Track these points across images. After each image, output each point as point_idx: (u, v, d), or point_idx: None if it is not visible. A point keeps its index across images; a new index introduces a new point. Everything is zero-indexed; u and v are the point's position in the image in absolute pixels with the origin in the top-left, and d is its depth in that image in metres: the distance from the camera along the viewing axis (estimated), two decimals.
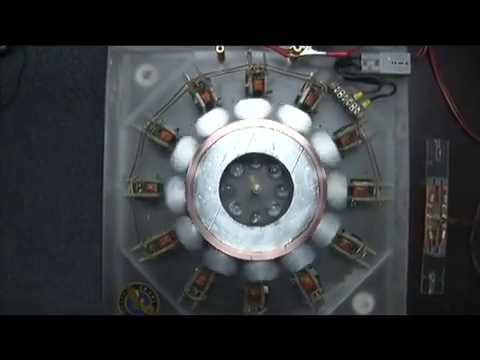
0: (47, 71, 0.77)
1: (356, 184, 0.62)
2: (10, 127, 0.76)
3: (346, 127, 0.62)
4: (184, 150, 0.61)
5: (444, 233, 0.68)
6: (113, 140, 0.65)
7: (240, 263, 0.60)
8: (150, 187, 0.62)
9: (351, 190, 0.62)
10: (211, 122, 0.61)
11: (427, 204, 0.68)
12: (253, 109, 0.61)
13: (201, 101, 0.61)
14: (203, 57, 0.64)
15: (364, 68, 0.63)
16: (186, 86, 0.62)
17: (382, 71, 0.63)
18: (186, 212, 0.60)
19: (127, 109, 0.65)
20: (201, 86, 0.61)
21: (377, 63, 0.63)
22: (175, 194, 0.61)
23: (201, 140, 0.60)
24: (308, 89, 0.61)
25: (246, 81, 0.62)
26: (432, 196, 0.68)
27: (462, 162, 0.68)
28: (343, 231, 0.62)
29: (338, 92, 0.63)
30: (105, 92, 0.64)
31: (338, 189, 0.61)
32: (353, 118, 0.63)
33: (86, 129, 0.76)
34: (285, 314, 0.63)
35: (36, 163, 0.76)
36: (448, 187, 0.68)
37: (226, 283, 0.62)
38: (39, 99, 0.76)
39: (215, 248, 0.59)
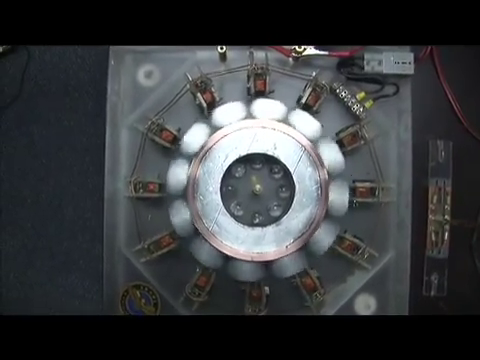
0: (50, 70, 0.77)
1: (358, 185, 0.62)
2: (13, 126, 0.76)
3: (348, 127, 0.62)
4: (197, 133, 0.61)
5: (447, 235, 0.67)
6: (115, 140, 0.65)
7: (227, 259, 0.60)
8: (151, 187, 0.62)
9: (353, 191, 0.62)
10: (228, 113, 0.60)
11: (430, 205, 0.68)
12: (270, 109, 0.61)
13: (203, 101, 0.61)
14: (205, 57, 0.64)
15: (367, 68, 0.62)
16: (188, 86, 0.62)
17: (385, 71, 0.62)
18: (184, 194, 0.60)
19: (129, 109, 0.65)
20: (203, 86, 0.61)
21: (380, 63, 0.62)
22: (177, 174, 0.60)
23: (215, 129, 0.60)
24: (310, 89, 0.61)
25: (248, 81, 0.62)
26: (435, 197, 0.67)
27: (465, 163, 0.68)
28: (345, 232, 0.62)
29: (340, 92, 0.63)
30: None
31: (340, 197, 0.60)
32: (355, 118, 0.63)
33: (89, 128, 0.76)
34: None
35: (39, 162, 0.76)
36: (451, 188, 0.67)
37: (227, 284, 0.62)
38: (42, 98, 0.76)
39: (204, 238, 0.59)
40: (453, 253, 0.68)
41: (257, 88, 0.61)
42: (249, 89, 0.62)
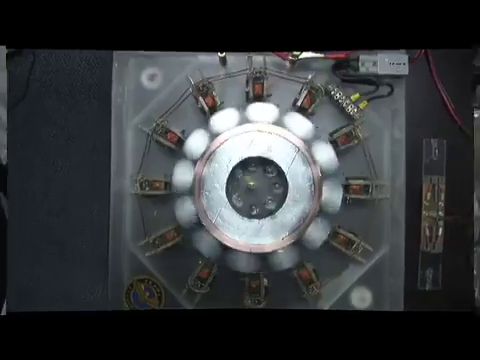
0: (56, 72, 0.78)
1: (352, 182, 0.63)
2: (21, 126, 0.78)
3: (342, 128, 0.63)
4: (197, 139, 0.62)
5: (441, 230, 0.68)
6: (120, 141, 0.66)
7: (226, 250, 0.62)
8: (157, 185, 0.63)
9: (347, 188, 0.63)
10: (224, 120, 0.62)
11: (424, 202, 0.68)
12: (263, 113, 0.62)
13: (204, 105, 0.62)
14: (207, 60, 0.65)
15: (362, 69, 0.63)
16: (190, 90, 0.63)
17: (380, 72, 0.63)
18: (189, 191, 0.61)
19: (133, 111, 0.66)
20: (204, 90, 0.62)
21: (375, 64, 0.63)
22: (183, 174, 0.62)
23: (213, 136, 0.61)
24: (306, 91, 0.62)
25: (246, 85, 0.63)
26: (429, 194, 0.68)
27: (458, 161, 0.68)
28: (339, 227, 0.63)
29: (335, 94, 0.63)
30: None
31: (332, 196, 0.61)
32: (350, 119, 0.64)
33: (95, 129, 0.77)
34: (284, 307, 0.64)
35: (47, 161, 0.78)
36: (445, 185, 0.68)
37: (227, 276, 0.63)
38: (49, 99, 0.78)
39: (208, 232, 0.61)
40: (447, 248, 0.68)
41: (255, 92, 0.62)
42: (248, 93, 0.63)
